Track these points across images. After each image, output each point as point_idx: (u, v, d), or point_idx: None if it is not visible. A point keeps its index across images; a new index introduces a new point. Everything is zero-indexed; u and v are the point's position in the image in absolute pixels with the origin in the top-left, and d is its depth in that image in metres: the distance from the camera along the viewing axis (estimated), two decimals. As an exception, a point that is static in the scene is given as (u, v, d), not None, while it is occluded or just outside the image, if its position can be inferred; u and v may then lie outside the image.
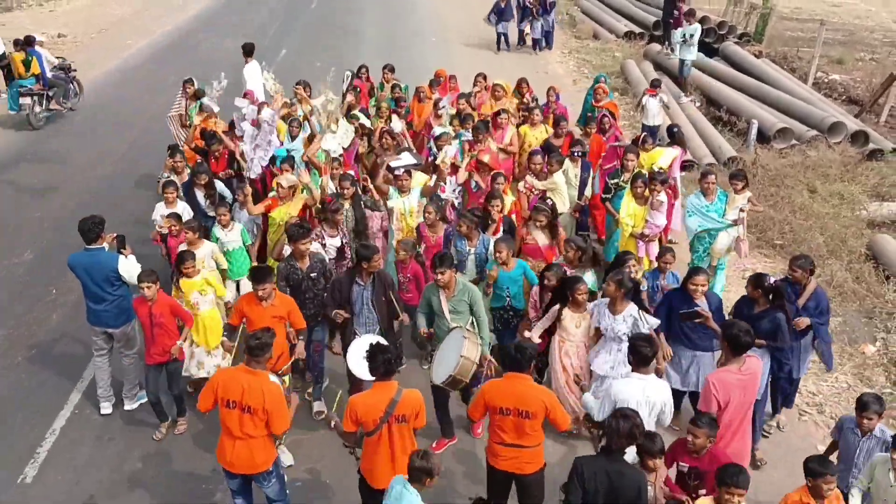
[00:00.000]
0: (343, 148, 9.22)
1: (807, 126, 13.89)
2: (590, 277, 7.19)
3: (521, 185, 9.12)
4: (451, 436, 6.95)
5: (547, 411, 5.31)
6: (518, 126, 10.62)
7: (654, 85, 12.88)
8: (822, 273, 9.52)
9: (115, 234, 7.22)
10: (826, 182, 12.46)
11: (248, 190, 8.47)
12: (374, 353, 5.24)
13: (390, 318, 6.83)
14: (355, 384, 6.64)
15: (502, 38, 19.94)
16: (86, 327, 7.38)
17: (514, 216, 8.49)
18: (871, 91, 16.04)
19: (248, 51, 12.72)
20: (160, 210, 8.42)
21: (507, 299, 7.27)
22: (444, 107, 10.66)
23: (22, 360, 8.08)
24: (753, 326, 5.90)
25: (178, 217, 7.96)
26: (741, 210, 8.27)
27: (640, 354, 5.56)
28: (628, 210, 8.42)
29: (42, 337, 8.47)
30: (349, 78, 12.06)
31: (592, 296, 6.97)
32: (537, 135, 10.45)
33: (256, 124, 9.28)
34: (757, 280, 6.57)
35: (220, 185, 8.98)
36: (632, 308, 6.51)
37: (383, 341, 5.84)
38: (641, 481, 4.82)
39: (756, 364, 5.76)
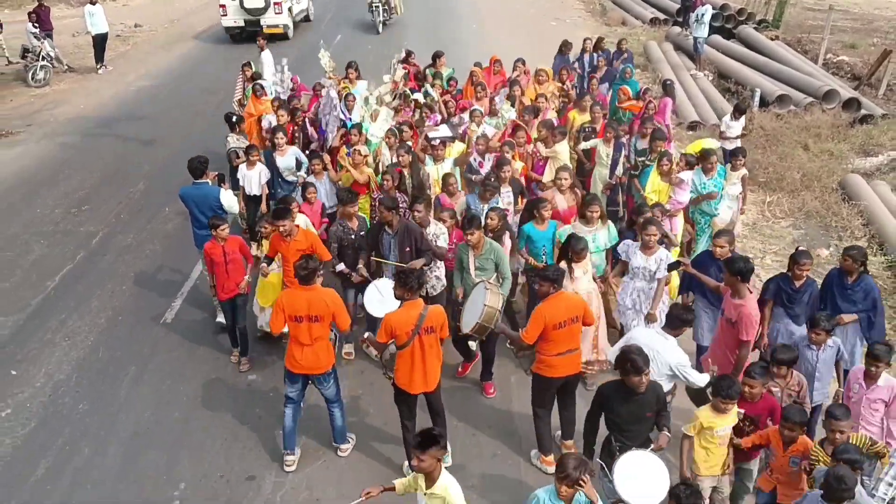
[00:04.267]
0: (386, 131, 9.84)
1: (804, 94, 15.63)
2: (612, 232, 7.91)
3: (529, 147, 9.74)
4: (472, 358, 7.66)
5: (584, 310, 6.25)
6: (560, 112, 11.32)
7: (741, 109, 11.82)
8: (797, 200, 11.42)
9: (216, 172, 8.86)
10: (818, 141, 14.15)
11: (327, 158, 9.40)
12: (405, 275, 6.04)
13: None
14: (372, 324, 7.48)
15: None
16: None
17: (522, 178, 9.18)
18: (868, 66, 17.64)
19: (265, 36, 14.23)
20: (242, 171, 9.41)
21: (544, 257, 7.72)
22: (499, 103, 10.85)
23: (150, 252, 10.42)
24: (797, 301, 6.56)
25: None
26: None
27: (676, 319, 5.94)
28: (653, 186, 8.91)
29: (163, 238, 10.80)
30: (396, 62, 12.64)
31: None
32: (585, 119, 10.85)
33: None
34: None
35: (297, 151, 9.74)
36: (661, 252, 7.21)
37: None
38: (659, 388, 5.44)
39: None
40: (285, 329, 6.50)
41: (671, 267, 7.20)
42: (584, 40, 14.50)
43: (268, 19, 20.60)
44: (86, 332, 8.61)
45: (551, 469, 6.37)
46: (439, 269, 7.84)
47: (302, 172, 9.56)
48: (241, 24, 20.87)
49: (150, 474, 6.59)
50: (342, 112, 10.45)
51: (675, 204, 8.78)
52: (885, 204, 11.11)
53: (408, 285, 5.95)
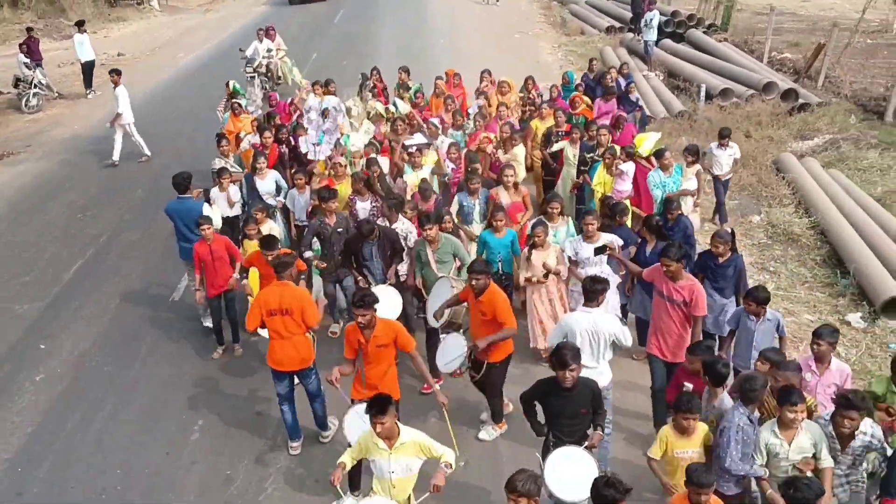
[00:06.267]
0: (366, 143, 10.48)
1: (746, 87, 17.05)
2: (571, 227, 8.58)
3: (489, 148, 10.34)
4: (440, 377, 7.60)
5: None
6: (527, 120, 11.93)
7: (724, 135, 11.13)
8: (734, 177, 12.70)
9: (201, 189, 9.45)
10: (759, 128, 15.53)
11: (311, 176, 9.79)
12: (367, 296, 6.09)
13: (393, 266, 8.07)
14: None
15: None
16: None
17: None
18: (805, 59, 19.14)
19: (118, 73, 14.96)
20: (215, 192, 9.69)
21: (499, 263, 8.03)
22: (471, 115, 11.49)
23: (153, 249, 11.52)
24: (721, 275, 7.22)
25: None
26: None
27: (588, 292, 6.40)
28: (599, 178, 9.62)
29: (164, 237, 11.67)
30: (362, 79, 13.53)
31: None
32: (547, 125, 11.24)
33: (326, 114, 10.93)
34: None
35: (277, 175, 9.92)
36: (605, 237, 7.82)
37: (393, 290, 7.48)
38: (594, 385, 5.63)
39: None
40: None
41: (598, 251, 7.70)
42: (610, 69, 14.57)
43: None
44: (103, 312, 9.72)
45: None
46: (404, 264, 8.32)
47: (281, 197, 9.83)
48: None
49: (172, 414, 7.75)
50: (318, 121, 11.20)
51: (617, 193, 9.39)
52: (812, 176, 12.45)
53: (372, 305, 6.04)
